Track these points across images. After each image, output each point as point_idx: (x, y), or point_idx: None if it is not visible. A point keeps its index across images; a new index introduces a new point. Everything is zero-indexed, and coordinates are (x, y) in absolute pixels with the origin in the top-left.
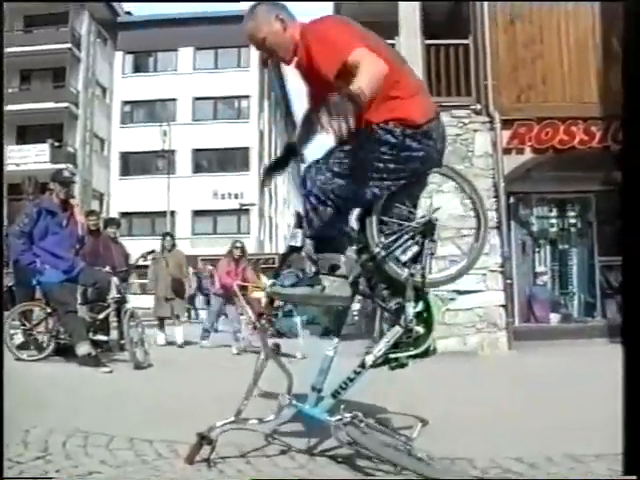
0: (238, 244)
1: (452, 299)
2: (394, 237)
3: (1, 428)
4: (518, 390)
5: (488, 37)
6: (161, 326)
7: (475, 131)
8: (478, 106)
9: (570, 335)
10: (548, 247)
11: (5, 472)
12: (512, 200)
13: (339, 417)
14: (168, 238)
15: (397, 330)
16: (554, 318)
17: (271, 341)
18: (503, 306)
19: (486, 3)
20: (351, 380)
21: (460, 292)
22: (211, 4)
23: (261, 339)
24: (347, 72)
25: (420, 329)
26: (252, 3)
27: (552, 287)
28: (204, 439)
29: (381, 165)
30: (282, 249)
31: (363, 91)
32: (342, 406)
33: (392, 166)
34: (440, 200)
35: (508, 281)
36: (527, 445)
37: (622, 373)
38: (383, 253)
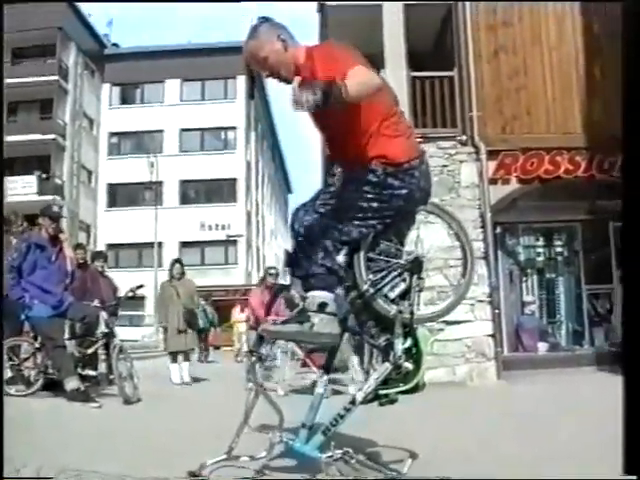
0: (272, 271)
1: (440, 329)
2: (382, 274)
3: (1, 428)
4: (507, 421)
5: (472, 69)
6: (174, 360)
7: (461, 162)
8: (464, 137)
9: (558, 364)
10: (535, 276)
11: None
12: (499, 230)
13: (330, 454)
14: (177, 265)
15: (386, 367)
16: (542, 347)
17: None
18: (491, 336)
19: (470, 36)
20: (341, 417)
21: (448, 322)
22: (198, 34)
23: (251, 374)
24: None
25: (409, 365)
26: (254, 23)
27: (540, 316)
28: (196, 477)
29: (365, 204)
30: None
31: (347, 89)
32: (332, 443)
33: (376, 205)
34: (427, 232)
35: (496, 311)
36: (516, 474)
37: (622, 373)
38: (371, 290)
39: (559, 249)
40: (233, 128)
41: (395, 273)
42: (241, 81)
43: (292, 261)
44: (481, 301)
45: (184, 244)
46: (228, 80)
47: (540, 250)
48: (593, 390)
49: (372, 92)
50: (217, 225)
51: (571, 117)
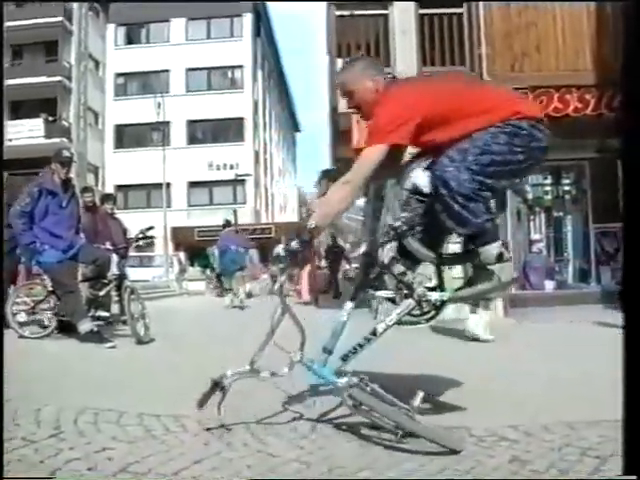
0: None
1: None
2: None
3: (1, 428)
4: (512, 354)
5: (482, 5)
6: None
7: None
8: (473, 74)
9: (565, 301)
10: (543, 215)
11: (5, 473)
12: None
13: (346, 379)
14: None
15: (409, 303)
16: (549, 285)
17: None
18: None
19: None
20: (361, 346)
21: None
22: None
23: (279, 295)
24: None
25: (430, 307)
26: (355, 57)
27: (547, 254)
28: (217, 385)
29: (514, 157)
30: (277, 219)
31: (314, 226)
32: (349, 370)
33: (522, 157)
34: None
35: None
36: (521, 413)
37: (621, 372)
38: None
39: (567, 187)
40: (240, 67)
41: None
42: (247, 19)
43: (453, 218)
44: None
45: (192, 184)
46: (234, 18)
47: (548, 188)
48: (600, 326)
49: (335, 217)
50: (225, 165)
51: (581, 54)
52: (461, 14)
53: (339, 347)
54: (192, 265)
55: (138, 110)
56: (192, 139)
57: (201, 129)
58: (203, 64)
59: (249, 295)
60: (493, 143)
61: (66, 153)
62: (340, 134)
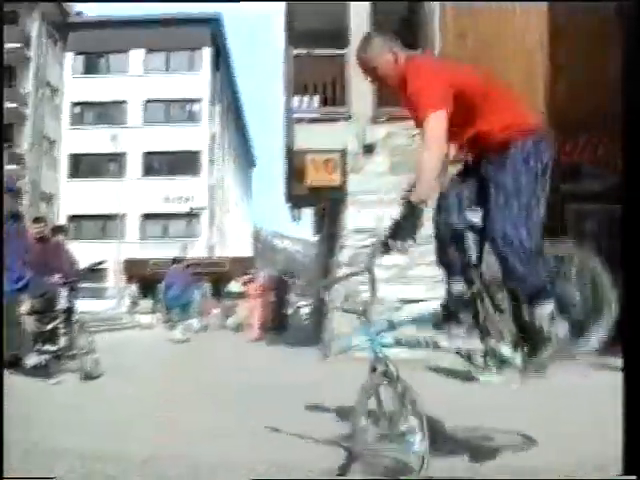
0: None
1: (398, 308)
2: None
3: (1, 428)
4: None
5: (438, 50)
6: None
7: None
8: None
9: None
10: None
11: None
12: None
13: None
14: None
15: (479, 346)
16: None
17: None
18: None
19: (437, 16)
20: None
21: (406, 301)
22: (164, 4)
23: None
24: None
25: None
26: (368, 32)
27: None
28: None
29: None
30: (231, 253)
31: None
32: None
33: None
34: (389, 211)
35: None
36: None
37: (621, 375)
38: None
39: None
40: (198, 100)
41: None
42: (207, 53)
43: (515, 278)
44: (438, 282)
45: (147, 216)
46: (193, 51)
47: None
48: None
49: (442, 157)
50: (180, 197)
51: (534, 98)
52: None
53: None
54: (144, 297)
55: (94, 140)
56: (148, 171)
57: (157, 161)
58: (161, 96)
59: (196, 329)
60: (529, 179)
61: (11, 184)
62: (295, 172)
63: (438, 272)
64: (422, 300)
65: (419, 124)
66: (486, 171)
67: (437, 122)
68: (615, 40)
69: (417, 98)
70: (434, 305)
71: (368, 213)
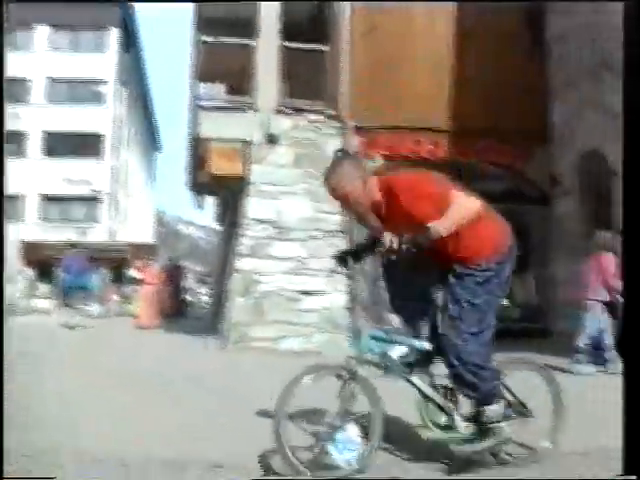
0: None
1: (297, 299)
2: None
3: (1, 428)
4: None
5: (346, 44)
6: None
7: (328, 135)
8: (332, 111)
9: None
10: None
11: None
12: None
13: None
14: None
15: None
16: (396, 320)
17: None
18: (347, 307)
19: (346, 12)
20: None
21: (305, 293)
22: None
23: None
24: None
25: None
26: (337, 154)
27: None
28: None
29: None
30: (134, 238)
31: (439, 232)
32: None
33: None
34: (290, 202)
35: (353, 283)
36: None
37: (622, 376)
38: None
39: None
40: (104, 81)
41: None
42: (115, 33)
43: (466, 386)
44: (339, 273)
45: (47, 198)
46: (101, 31)
47: None
48: None
49: (472, 216)
50: (81, 180)
51: (438, 101)
52: (325, 51)
53: None
54: (42, 282)
55: None
56: (49, 151)
57: (59, 142)
58: (66, 75)
59: (94, 315)
60: (478, 296)
61: None
62: (198, 159)
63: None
64: (322, 292)
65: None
66: (448, 280)
67: (460, 194)
68: (523, 40)
69: (426, 199)
70: (334, 298)
71: (269, 204)
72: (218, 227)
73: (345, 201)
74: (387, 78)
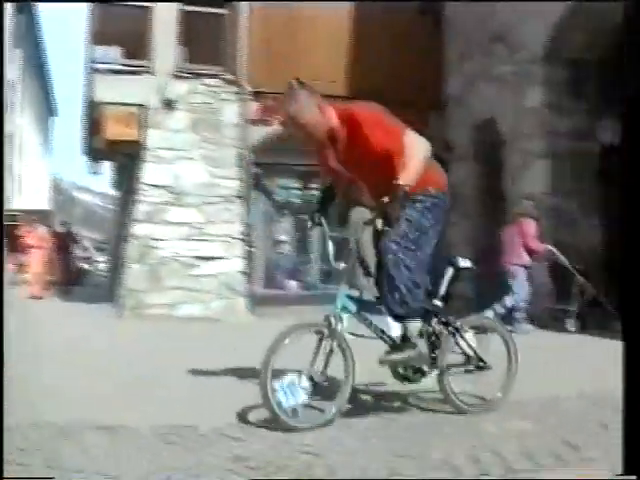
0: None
1: (196, 265)
2: None
3: (1, 428)
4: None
5: (245, 8)
6: None
7: (225, 101)
8: (230, 76)
9: (308, 302)
10: (291, 217)
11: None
12: (258, 170)
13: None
14: None
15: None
16: (293, 285)
17: None
18: (244, 273)
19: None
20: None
21: (203, 258)
22: None
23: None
24: (399, 151)
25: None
26: (292, 84)
27: (293, 255)
28: None
29: (437, 229)
30: (30, 205)
31: (409, 184)
32: None
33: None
34: (186, 168)
35: (250, 249)
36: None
37: (622, 373)
38: None
39: (315, 192)
40: None
41: None
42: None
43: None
44: (236, 239)
45: None
46: None
47: (297, 192)
48: None
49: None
50: None
51: (336, 67)
52: (224, 15)
53: None
54: None
55: None
56: None
57: None
58: None
59: None
60: (425, 222)
61: None
62: (94, 124)
63: (234, 230)
64: (219, 258)
65: (391, 148)
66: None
67: (412, 133)
68: (418, 38)
69: (386, 134)
70: (231, 263)
71: (165, 169)
72: (115, 193)
73: (304, 130)
74: (286, 44)
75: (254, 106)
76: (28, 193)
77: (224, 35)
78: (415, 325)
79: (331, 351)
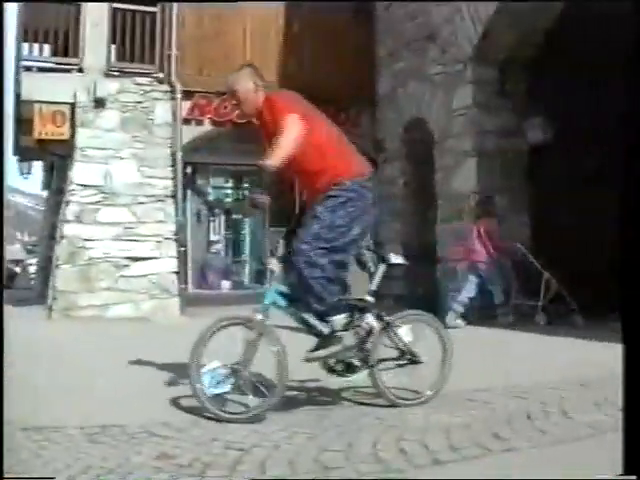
0: None
1: (126, 265)
2: None
3: (1, 428)
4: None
5: (176, 7)
6: None
7: (156, 100)
8: (161, 75)
9: (240, 301)
10: (223, 216)
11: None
12: (189, 170)
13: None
14: None
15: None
16: (225, 285)
17: None
18: (176, 273)
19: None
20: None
21: (134, 259)
22: None
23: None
24: (280, 128)
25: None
26: (243, 65)
27: (225, 255)
28: None
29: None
30: None
31: (272, 165)
32: None
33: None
34: (117, 167)
35: (182, 249)
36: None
37: (621, 373)
38: None
39: (247, 191)
40: None
41: None
42: None
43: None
44: (168, 238)
45: None
46: None
47: (229, 191)
48: None
49: (293, 149)
50: None
51: (266, 66)
52: (155, 13)
53: None
54: None
55: None
56: None
57: None
58: None
59: None
60: (338, 220)
61: None
62: (23, 123)
63: (166, 230)
64: (151, 258)
65: (279, 131)
66: (313, 207)
67: (294, 119)
68: (350, 37)
69: (278, 112)
70: (163, 263)
71: (96, 169)
72: (46, 194)
73: (234, 97)
74: (217, 43)
75: (185, 105)
76: None
77: (155, 33)
78: (338, 320)
79: (256, 345)
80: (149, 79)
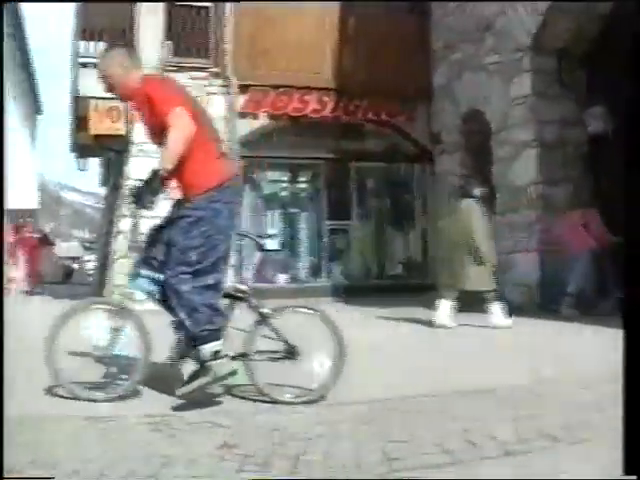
0: None
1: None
2: None
3: (1, 428)
4: None
5: (230, 2)
6: None
7: (212, 94)
8: (216, 69)
9: (296, 295)
10: (279, 210)
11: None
12: (246, 163)
13: None
14: None
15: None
16: (282, 278)
17: None
18: (232, 266)
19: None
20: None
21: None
22: None
23: None
24: (166, 123)
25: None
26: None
27: (282, 249)
28: None
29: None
30: (15, 205)
31: (164, 169)
32: None
33: (229, 222)
34: None
35: (239, 242)
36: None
37: (622, 373)
38: None
39: (303, 185)
40: None
41: None
42: None
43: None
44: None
45: None
46: None
47: (285, 185)
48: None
49: (189, 140)
50: None
51: (322, 59)
52: (209, 8)
53: None
54: None
55: None
56: None
57: None
58: None
59: None
60: (192, 242)
61: None
62: (80, 120)
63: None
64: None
65: (164, 123)
66: (177, 214)
67: (181, 114)
68: (405, 32)
69: (161, 102)
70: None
71: (152, 163)
72: (103, 191)
73: (106, 82)
74: (273, 37)
75: (241, 99)
76: (14, 193)
77: (210, 28)
78: (207, 350)
79: (118, 329)
80: (204, 74)
